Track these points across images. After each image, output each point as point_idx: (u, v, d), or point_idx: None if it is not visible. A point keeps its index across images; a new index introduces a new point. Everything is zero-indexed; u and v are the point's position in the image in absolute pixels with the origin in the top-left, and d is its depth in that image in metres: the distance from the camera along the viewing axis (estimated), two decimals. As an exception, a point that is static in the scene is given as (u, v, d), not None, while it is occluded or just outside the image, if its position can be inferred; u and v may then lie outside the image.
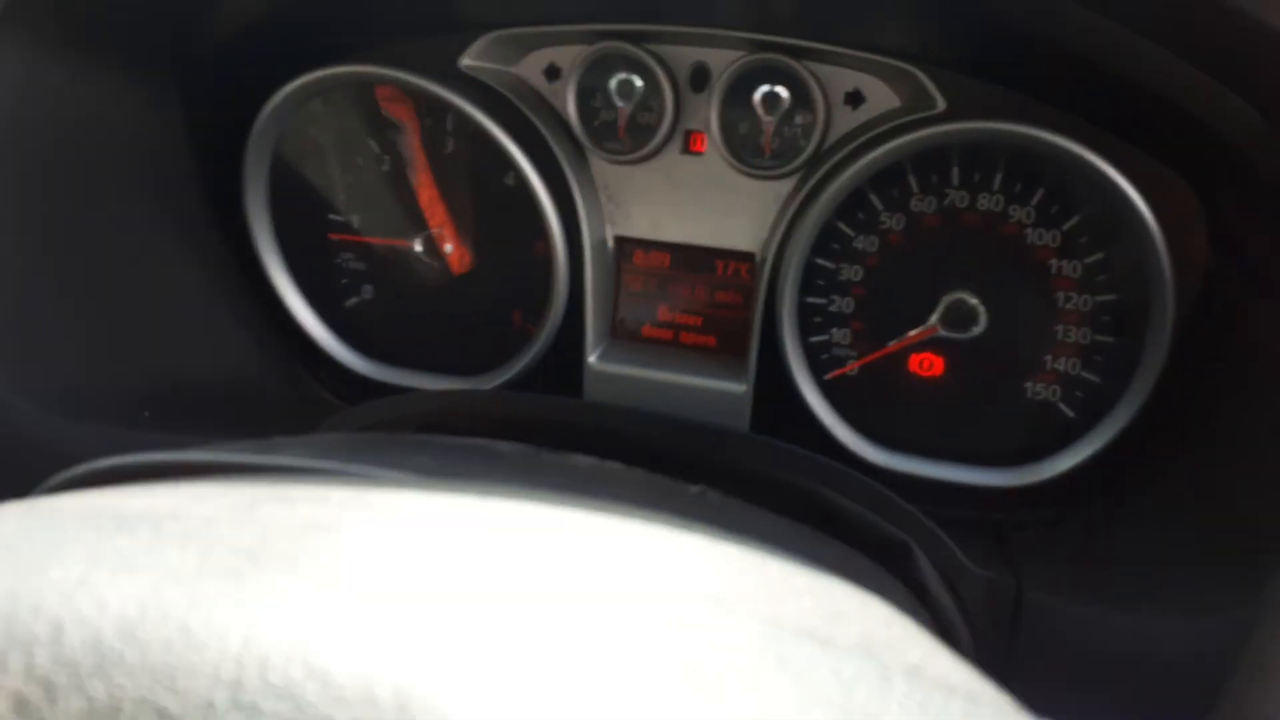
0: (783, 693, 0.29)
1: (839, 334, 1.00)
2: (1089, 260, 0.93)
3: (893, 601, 0.55)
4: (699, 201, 1.03)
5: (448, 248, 1.08)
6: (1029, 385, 0.97)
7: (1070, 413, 0.96)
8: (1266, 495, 0.71)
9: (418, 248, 1.08)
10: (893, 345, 0.98)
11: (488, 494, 0.45)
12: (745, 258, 1.04)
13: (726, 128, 1.00)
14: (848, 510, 0.75)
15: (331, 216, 1.10)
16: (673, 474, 0.67)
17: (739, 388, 1.00)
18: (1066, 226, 0.94)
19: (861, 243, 0.98)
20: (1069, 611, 0.72)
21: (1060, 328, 0.95)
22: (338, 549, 0.35)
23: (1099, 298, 0.94)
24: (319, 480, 0.47)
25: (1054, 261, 0.94)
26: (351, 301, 1.12)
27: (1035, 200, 0.94)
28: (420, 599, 0.31)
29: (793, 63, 0.96)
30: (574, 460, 0.65)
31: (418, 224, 1.08)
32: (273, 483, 0.46)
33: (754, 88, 0.98)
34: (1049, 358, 0.96)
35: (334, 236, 1.11)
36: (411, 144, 1.06)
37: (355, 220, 1.10)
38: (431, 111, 1.05)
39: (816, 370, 1.00)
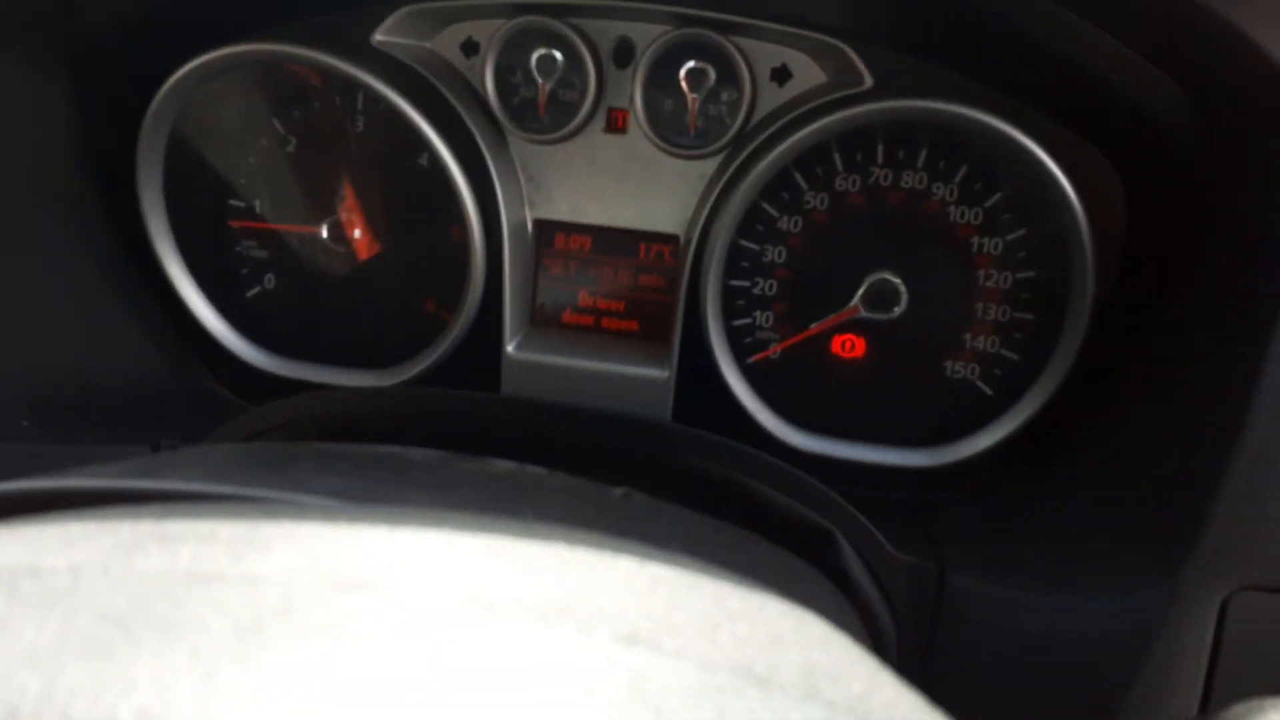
0: None
1: (762, 317, 0.99)
2: (1010, 238, 0.94)
3: (823, 605, 0.53)
4: (622, 182, 1.00)
5: (356, 233, 1.03)
6: (948, 364, 0.97)
7: (989, 391, 0.96)
8: (1182, 474, 0.72)
9: (324, 233, 1.03)
10: (814, 327, 0.97)
11: (397, 524, 0.42)
12: (669, 240, 1.01)
13: (650, 105, 0.97)
14: (771, 500, 0.74)
15: (232, 202, 1.04)
16: (594, 472, 0.65)
17: (661, 374, 0.98)
18: (989, 204, 0.93)
19: (785, 223, 0.97)
20: (989, 593, 0.72)
21: (980, 306, 0.95)
22: (224, 611, 0.31)
23: (1019, 275, 0.94)
24: (208, 511, 0.43)
25: (975, 239, 0.94)
26: (252, 292, 1.06)
27: (959, 178, 0.93)
28: (314, 678, 0.28)
29: (719, 38, 0.93)
30: (492, 467, 0.62)
31: (324, 208, 1.03)
32: (155, 516, 0.42)
33: (679, 64, 0.95)
34: (968, 336, 0.96)
35: (234, 224, 1.04)
36: (319, 124, 1.00)
37: (258, 205, 1.04)
38: (341, 90, 0.99)
39: (739, 354, 0.99)
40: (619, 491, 0.63)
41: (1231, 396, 0.65)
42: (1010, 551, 0.78)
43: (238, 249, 1.05)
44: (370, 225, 1.03)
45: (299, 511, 0.44)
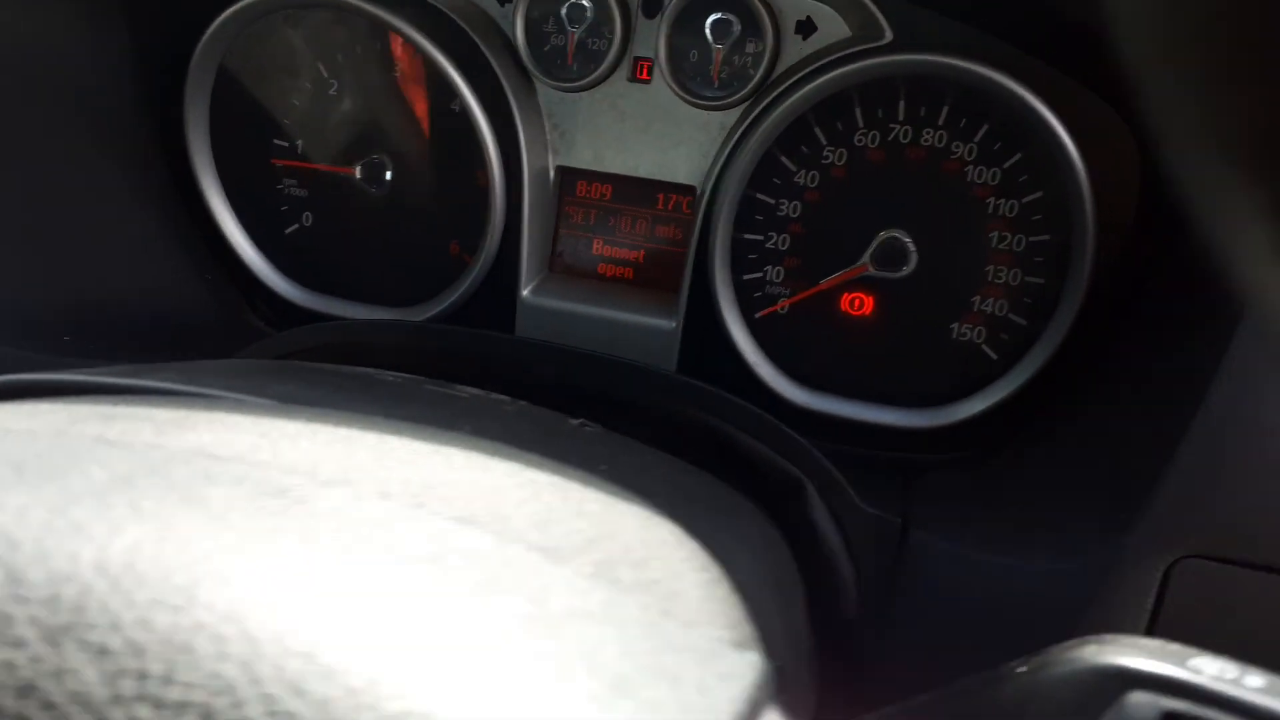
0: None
1: (773, 271, 0.99)
2: (1026, 200, 0.91)
3: (745, 534, 0.55)
4: (644, 132, 1.01)
5: (388, 175, 1.07)
6: (955, 326, 0.96)
7: (994, 355, 0.95)
8: (1140, 443, 0.71)
9: (357, 174, 1.07)
10: (823, 284, 0.97)
11: (331, 424, 0.45)
12: (686, 191, 1.02)
13: (675, 55, 0.98)
14: (746, 447, 0.75)
15: (276, 141, 1.09)
16: (570, 409, 0.67)
17: (669, 324, 0.99)
18: (1007, 165, 0.91)
19: (802, 177, 0.97)
20: (946, 550, 0.73)
21: (991, 268, 0.94)
22: (114, 469, 0.35)
23: (1032, 238, 0.92)
24: (153, 401, 0.48)
25: (991, 200, 0.92)
26: (291, 229, 1.11)
27: (978, 137, 0.92)
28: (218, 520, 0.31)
29: None
30: (455, 391, 0.65)
31: (359, 150, 1.07)
32: (102, 402, 0.46)
33: (706, 15, 0.96)
34: (977, 299, 0.94)
35: (277, 162, 1.10)
36: (357, 67, 1.05)
37: (300, 145, 1.09)
38: (377, 34, 1.03)
39: (747, 308, 1.00)
40: (574, 421, 0.65)
41: (1197, 370, 0.64)
42: (977, 513, 0.78)
43: (279, 187, 1.10)
44: (402, 168, 1.07)
45: (240, 404, 0.48)
